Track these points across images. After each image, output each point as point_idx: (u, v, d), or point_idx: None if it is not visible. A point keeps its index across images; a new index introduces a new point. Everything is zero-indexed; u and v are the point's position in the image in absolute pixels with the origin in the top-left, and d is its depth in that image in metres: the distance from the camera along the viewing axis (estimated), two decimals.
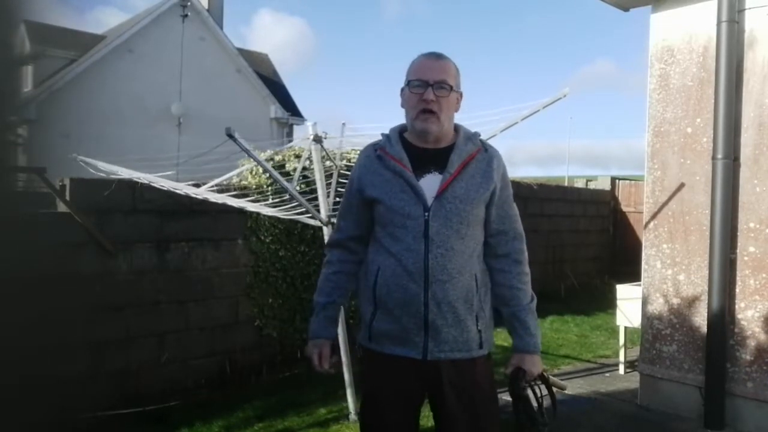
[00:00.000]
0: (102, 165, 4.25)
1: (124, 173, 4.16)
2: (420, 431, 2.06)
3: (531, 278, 2.06)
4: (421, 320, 1.89)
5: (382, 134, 2.06)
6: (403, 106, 2.02)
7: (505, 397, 1.98)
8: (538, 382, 2.02)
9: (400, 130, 2.04)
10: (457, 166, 1.92)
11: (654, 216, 4.27)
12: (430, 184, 1.92)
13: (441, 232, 1.88)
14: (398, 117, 2.06)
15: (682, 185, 4.14)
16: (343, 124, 4.47)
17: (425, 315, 1.88)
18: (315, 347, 2.06)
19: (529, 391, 1.99)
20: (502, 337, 2.77)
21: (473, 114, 3.48)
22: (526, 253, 2.05)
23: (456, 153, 1.94)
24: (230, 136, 2.93)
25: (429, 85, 1.90)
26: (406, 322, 1.90)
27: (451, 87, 1.93)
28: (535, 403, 1.98)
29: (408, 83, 1.95)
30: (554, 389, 2.07)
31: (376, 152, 2.00)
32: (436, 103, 1.90)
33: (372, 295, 1.96)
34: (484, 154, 1.99)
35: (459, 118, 2.05)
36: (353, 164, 2.25)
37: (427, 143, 1.98)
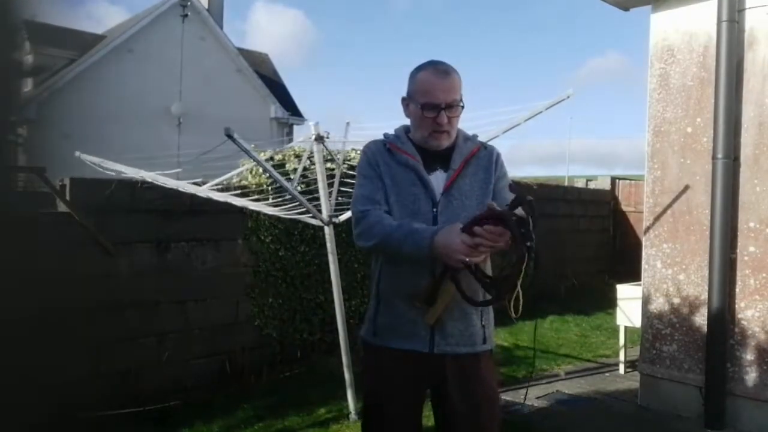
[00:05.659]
0: (107, 164, 4.24)
1: (130, 172, 4.15)
2: (423, 430, 2.06)
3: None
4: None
5: (385, 134, 2.09)
6: (408, 116, 2.04)
7: (505, 397, 1.98)
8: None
9: (405, 131, 2.07)
10: (459, 162, 1.98)
11: (654, 216, 4.27)
12: (437, 181, 1.97)
13: None
14: (403, 117, 2.10)
15: (682, 185, 4.14)
16: (348, 123, 4.43)
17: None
18: (455, 238, 1.73)
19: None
20: (502, 337, 2.77)
21: (476, 114, 3.46)
22: None
23: (457, 152, 2.00)
24: (229, 136, 2.93)
25: (441, 109, 1.91)
26: (414, 315, 1.91)
27: (461, 102, 1.96)
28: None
29: (420, 106, 1.94)
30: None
31: (385, 146, 2.02)
32: (448, 124, 1.94)
33: (376, 289, 1.99)
34: (484, 151, 2.05)
35: (463, 116, 2.08)
36: (355, 165, 2.25)
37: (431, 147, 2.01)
